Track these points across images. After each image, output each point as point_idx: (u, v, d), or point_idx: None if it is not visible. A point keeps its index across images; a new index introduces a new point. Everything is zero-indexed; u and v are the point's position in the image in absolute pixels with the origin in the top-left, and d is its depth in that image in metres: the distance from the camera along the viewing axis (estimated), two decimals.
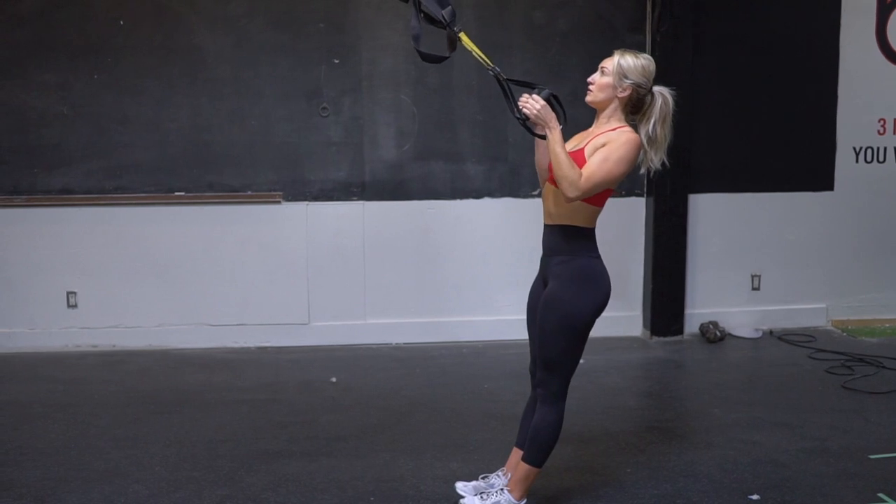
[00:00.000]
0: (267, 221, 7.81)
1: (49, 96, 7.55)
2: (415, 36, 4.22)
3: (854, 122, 8.35)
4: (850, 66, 8.28)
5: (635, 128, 4.23)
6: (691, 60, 7.80)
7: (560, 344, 4.25)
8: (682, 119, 7.75)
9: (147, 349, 7.75)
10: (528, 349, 7.54)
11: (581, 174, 4.02)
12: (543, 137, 4.14)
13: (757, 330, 8.24)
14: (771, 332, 8.27)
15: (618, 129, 4.19)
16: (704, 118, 7.99)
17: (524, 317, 7.75)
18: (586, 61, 7.76)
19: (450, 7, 4.19)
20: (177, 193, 7.71)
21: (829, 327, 8.46)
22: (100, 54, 7.55)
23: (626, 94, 4.20)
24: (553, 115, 4.08)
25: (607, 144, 4.13)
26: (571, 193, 4.02)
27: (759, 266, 8.37)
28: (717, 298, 8.26)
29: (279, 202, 7.79)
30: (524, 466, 4.41)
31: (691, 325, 8.19)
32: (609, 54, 7.79)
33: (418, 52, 4.22)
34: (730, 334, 8.19)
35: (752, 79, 8.06)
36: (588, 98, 4.28)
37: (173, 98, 7.64)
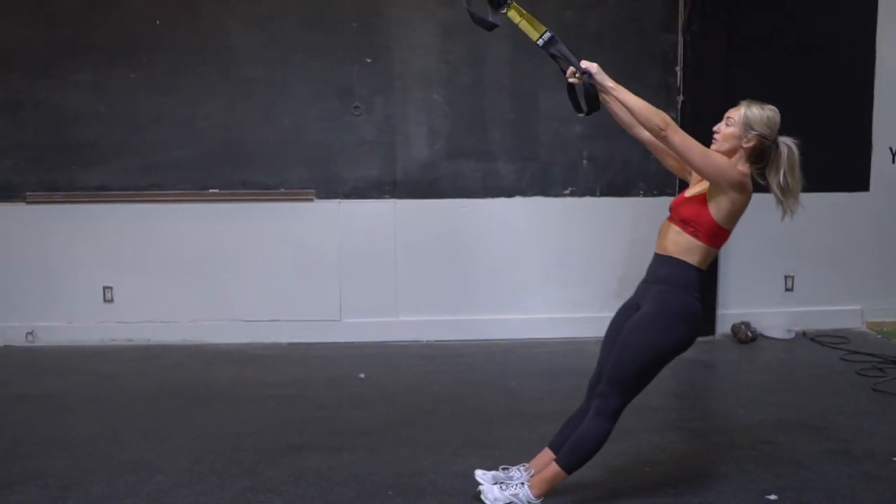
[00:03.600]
0: (299, 219, 7.90)
1: (86, 95, 7.68)
2: (468, 0, 4.27)
3: (890, 122, 8.26)
4: (886, 66, 8.19)
5: (762, 177, 4.34)
6: (723, 60, 7.77)
7: (636, 366, 4.32)
8: (714, 118, 7.80)
9: (181, 344, 7.85)
10: (556, 349, 7.66)
11: (664, 117, 4.14)
12: (586, 112, 4.26)
13: (790, 331, 8.17)
14: (804, 334, 8.20)
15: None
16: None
17: (553, 315, 7.86)
18: (618, 61, 7.74)
19: None
20: (210, 191, 7.82)
21: (864, 329, 8.36)
22: (135, 54, 7.66)
23: (752, 144, 4.29)
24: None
25: None
26: (664, 127, 4.09)
27: (792, 267, 8.31)
28: (749, 299, 8.20)
29: (312, 200, 7.87)
30: (555, 467, 4.46)
31: (723, 326, 8.15)
32: (640, 55, 7.84)
33: (469, 13, 4.27)
34: (762, 335, 8.14)
35: (786, 78, 7.99)
36: (713, 147, 4.35)
37: (207, 97, 7.74)
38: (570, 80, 4.29)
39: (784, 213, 4.37)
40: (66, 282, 7.87)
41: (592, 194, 7.98)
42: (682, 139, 4.13)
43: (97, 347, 7.80)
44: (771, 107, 4.36)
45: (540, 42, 4.26)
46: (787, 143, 4.33)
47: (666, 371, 7.14)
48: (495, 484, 4.57)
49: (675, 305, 4.31)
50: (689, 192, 4.46)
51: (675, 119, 7.62)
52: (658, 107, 4.18)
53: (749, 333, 8.00)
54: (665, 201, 7.90)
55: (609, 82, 4.18)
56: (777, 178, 4.30)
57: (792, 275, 8.32)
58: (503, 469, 4.75)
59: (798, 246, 8.27)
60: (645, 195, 7.99)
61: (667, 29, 7.89)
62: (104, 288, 7.89)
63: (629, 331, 4.35)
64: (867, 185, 8.32)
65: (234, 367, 7.26)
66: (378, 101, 7.82)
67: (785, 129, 8.08)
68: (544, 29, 4.26)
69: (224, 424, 5.87)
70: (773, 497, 4.73)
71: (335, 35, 7.74)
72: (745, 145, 4.29)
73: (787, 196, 4.33)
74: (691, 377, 7.16)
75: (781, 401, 6.38)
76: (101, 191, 7.78)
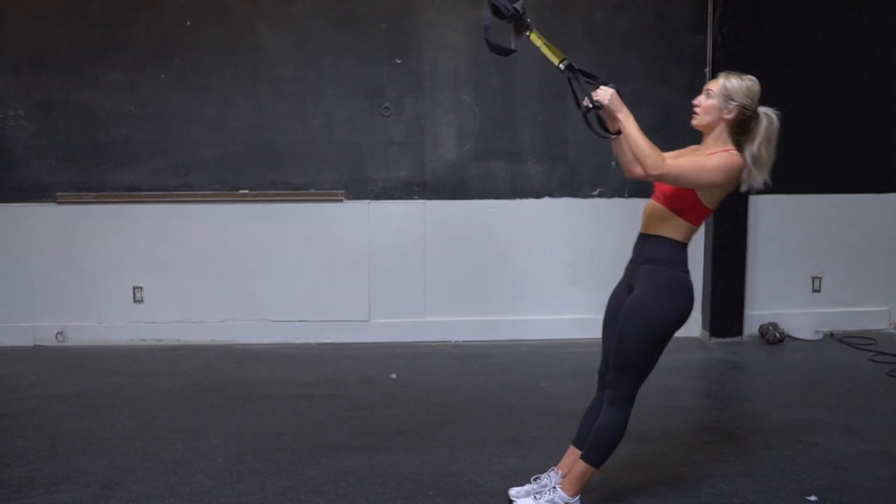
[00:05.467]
0: (329, 219, 7.92)
1: (117, 95, 7.72)
2: (485, 27, 4.25)
3: None
4: None
5: (738, 147, 4.28)
6: (753, 61, 7.76)
7: (638, 349, 4.31)
8: None
9: (211, 344, 7.88)
10: (585, 349, 7.68)
11: (663, 156, 4.08)
12: (607, 136, 4.22)
13: (817, 332, 8.17)
14: (832, 335, 8.20)
15: (723, 151, 4.23)
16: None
17: (582, 316, 7.86)
18: (647, 62, 7.79)
19: (521, 1, 4.22)
20: (241, 191, 7.84)
21: (891, 330, 8.36)
22: (166, 54, 7.70)
23: (732, 115, 4.23)
24: (622, 103, 4.15)
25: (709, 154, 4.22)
26: (653, 171, 4.05)
27: (819, 268, 8.31)
28: (777, 300, 8.20)
29: (341, 200, 7.90)
30: (582, 465, 4.46)
31: (751, 327, 8.15)
32: (669, 55, 7.84)
33: (487, 41, 4.26)
34: (789, 336, 8.13)
35: (815, 79, 8.00)
36: (694, 121, 4.33)
37: (238, 97, 7.77)
38: (585, 104, 4.26)
39: (748, 185, 4.29)
40: (96, 282, 7.90)
41: (621, 195, 7.99)
42: (680, 173, 4.10)
43: (127, 347, 7.83)
44: (750, 77, 4.30)
45: (561, 67, 4.25)
46: (767, 114, 4.27)
47: (696, 372, 7.27)
48: (530, 496, 4.59)
49: (665, 283, 4.31)
50: None
51: None
52: (650, 145, 4.12)
53: (777, 334, 8.00)
54: None
55: (620, 113, 4.12)
56: (751, 148, 4.23)
57: (819, 276, 8.32)
58: (534, 479, 4.75)
59: (825, 247, 8.28)
60: None
61: (695, 30, 7.89)
62: (134, 288, 7.92)
63: (625, 316, 4.34)
64: (895, 186, 8.30)
65: (264, 367, 7.28)
66: (408, 101, 7.85)
67: (813, 129, 8.13)
68: (563, 56, 4.24)
69: (260, 424, 5.90)
70: (813, 498, 4.74)
71: (365, 36, 7.76)
72: (725, 117, 4.23)
73: (756, 166, 4.24)
74: (721, 378, 7.17)
75: (814, 402, 6.39)
76: (132, 191, 7.81)
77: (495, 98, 7.89)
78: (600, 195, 7.99)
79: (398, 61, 7.80)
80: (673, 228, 4.31)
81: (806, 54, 8.01)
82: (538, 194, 7.98)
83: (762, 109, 4.28)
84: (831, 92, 8.05)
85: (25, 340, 7.87)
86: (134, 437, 5.65)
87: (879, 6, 8.12)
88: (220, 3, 7.71)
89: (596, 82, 4.23)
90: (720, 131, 4.27)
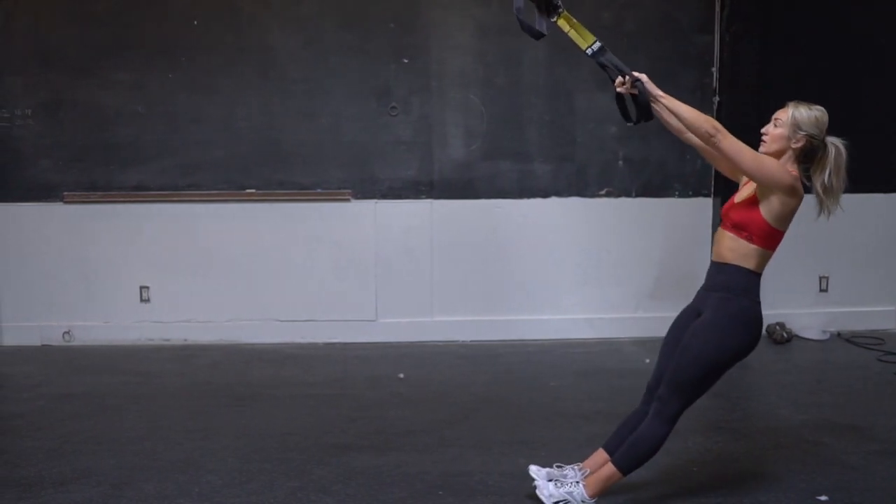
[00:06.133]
0: (336, 219, 7.93)
1: (125, 95, 7.73)
2: (518, 7, 4.29)
3: None
4: None
5: (807, 176, 4.32)
6: (760, 60, 7.76)
7: (694, 372, 4.35)
8: (750, 119, 7.79)
9: (218, 343, 7.89)
10: (593, 349, 7.67)
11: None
12: (639, 120, 4.29)
13: (825, 332, 8.16)
14: (839, 335, 8.19)
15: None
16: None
17: (590, 316, 7.86)
18: (654, 62, 7.76)
19: None
20: (248, 191, 7.85)
21: None
22: (174, 54, 7.71)
23: (800, 145, 4.27)
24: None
25: None
26: (713, 131, 4.10)
27: (827, 268, 8.30)
28: (784, 300, 8.15)
29: (348, 200, 7.90)
30: (611, 468, 4.48)
31: None
32: (676, 55, 7.82)
33: (519, 21, 4.30)
34: (797, 336, 8.13)
35: (822, 79, 7.96)
36: (762, 149, 4.34)
37: (245, 97, 7.78)
38: (619, 89, 4.29)
39: (822, 212, 4.36)
40: (103, 281, 7.91)
41: (628, 195, 7.99)
42: (732, 145, 4.13)
43: (134, 347, 7.84)
44: (818, 107, 4.35)
45: (589, 52, 4.27)
46: (835, 144, 4.31)
47: None
48: (550, 481, 4.58)
49: (735, 312, 4.33)
50: (738, 197, 4.45)
51: None
52: (693, 108, 4.17)
53: (784, 334, 8.00)
54: (700, 202, 8.02)
55: (657, 91, 4.19)
56: (822, 178, 4.28)
57: (826, 276, 8.31)
58: (557, 467, 4.75)
59: (832, 247, 8.25)
60: (680, 196, 7.99)
61: (702, 30, 7.89)
62: (141, 287, 7.92)
63: (690, 337, 4.36)
64: None
65: (271, 367, 7.29)
66: (415, 101, 7.85)
67: None
68: (594, 38, 4.26)
69: (268, 424, 5.89)
70: (823, 498, 4.72)
71: (373, 35, 7.77)
72: (793, 146, 4.28)
73: (828, 196, 4.31)
74: (729, 377, 6.97)
75: (822, 401, 6.38)
76: (139, 190, 7.82)
77: (502, 98, 7.89)
78: (607, 195, 7.99)
79: (405, 61, 7.80)
80: (744, 256, 4.33)
81: (812, 54, 7.98)
82: (545, 194, 7.98)
83: (830, 139, 4.32)
84: (837, 91, 7.99)
85: (32, 340, 7.88)
86: (142, 436, 5.64)
87: (884, 7, 8.10)
88: (227, 3, 7.73)
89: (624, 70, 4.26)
90: (787, 159, 4.30)
